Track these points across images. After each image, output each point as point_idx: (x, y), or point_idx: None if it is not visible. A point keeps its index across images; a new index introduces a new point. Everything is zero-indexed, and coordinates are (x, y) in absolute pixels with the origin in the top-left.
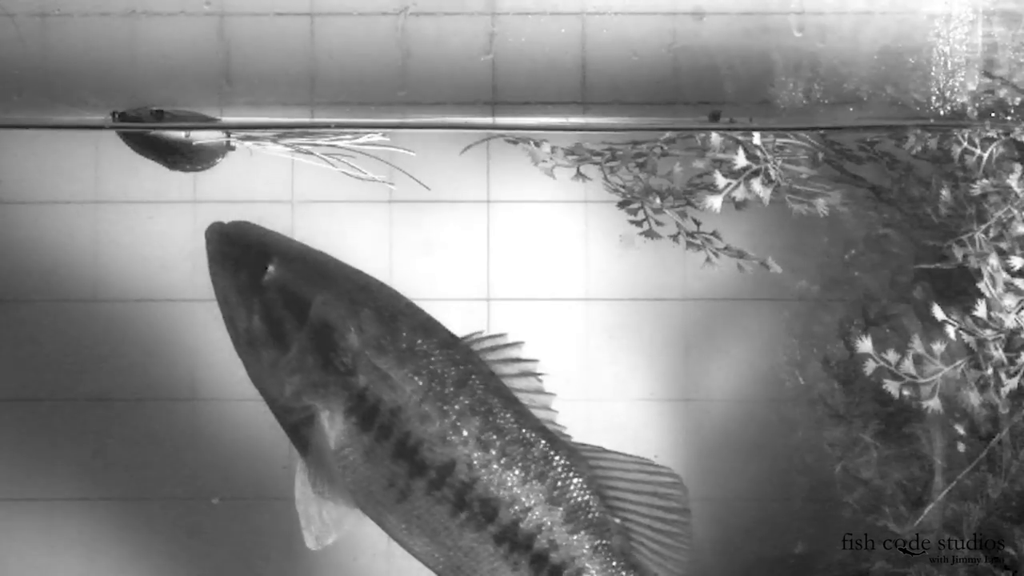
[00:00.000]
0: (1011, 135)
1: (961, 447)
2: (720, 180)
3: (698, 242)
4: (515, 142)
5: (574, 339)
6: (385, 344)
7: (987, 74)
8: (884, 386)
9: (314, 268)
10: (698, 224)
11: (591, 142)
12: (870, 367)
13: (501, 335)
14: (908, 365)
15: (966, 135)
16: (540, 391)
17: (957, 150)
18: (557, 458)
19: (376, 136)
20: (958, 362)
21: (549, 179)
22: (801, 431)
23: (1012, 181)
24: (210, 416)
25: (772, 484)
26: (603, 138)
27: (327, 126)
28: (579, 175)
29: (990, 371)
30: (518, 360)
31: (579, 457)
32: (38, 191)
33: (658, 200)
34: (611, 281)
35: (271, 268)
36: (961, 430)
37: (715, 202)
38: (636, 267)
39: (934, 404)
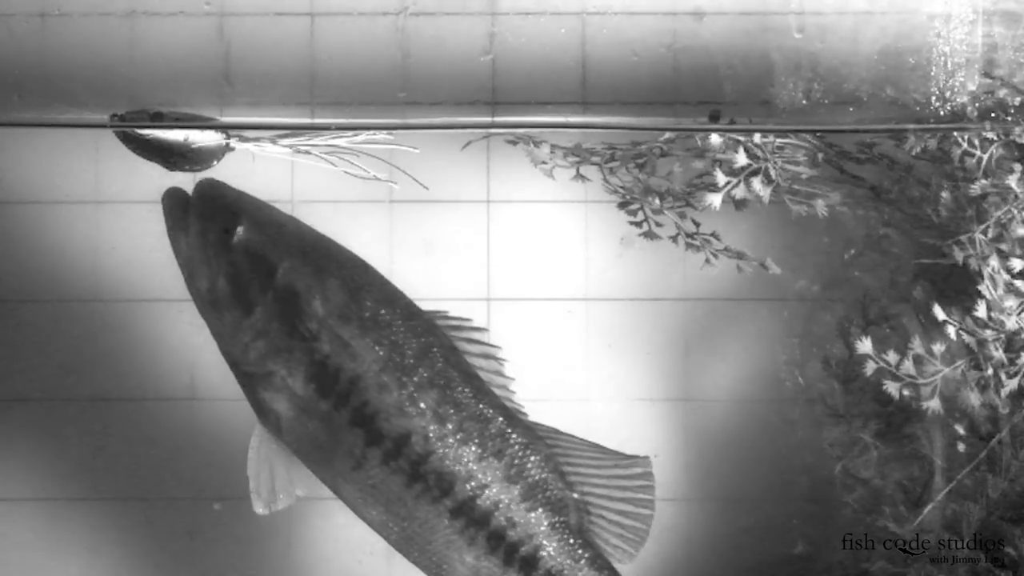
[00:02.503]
0: (1011, 136)
1: (961, 447)
2: (721, 178)
3: (697, 243)
4: (515, 142)
5: (574, 339)
6: (349, 313)
7: (987, 74)
8: (884, 386)
9: (283, 233)
10: (697, 225)
11: (591, 142)
12: (870, 367)
13: (467, 319)
14: (908, 366)
15: (966, 136)
16: (500, 373)
17: (957, 151)
18: (514, 436)
19: (380, 135)
20: (958, 363)
21: (549, 179)
22: (801, 431)
23: (1012, 182)
24: (210, 416)
25: (772, 484)
26: (603, 138)
27: (328, 127)
28: (578, 176)
29: (990, 372)
30: (480, 342)
31: (536, 435)
32: (38, 191)
33: (657, 201)
34: (611, 281)
35: (240, 230)
36: (961, 430)
37: (715, 200)
38: (636, 267)
39: (934, 404)
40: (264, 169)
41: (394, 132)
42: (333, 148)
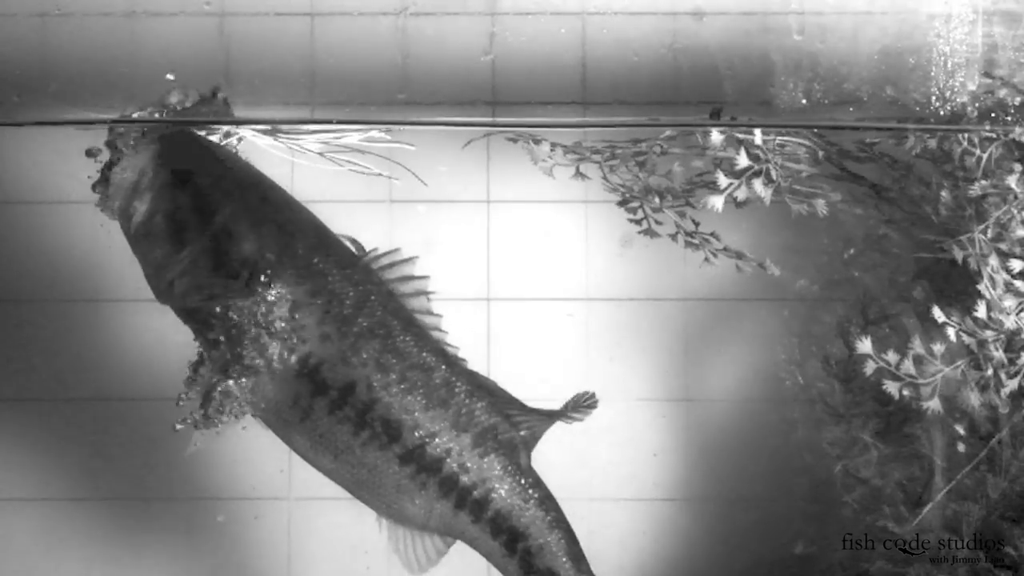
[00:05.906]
0: (1010, 136)
1: (961, 447)
2: (722, 180)
3: (696, 242)
4: (515, 140)
5: (574, 339)
6: (285, 262)
7: (987, 74)
8: (884, 386)
9: (231, 181)
10: (696, 224)
11: (591, 141)
12: (870, 367)
13: (396, 250)
14: (908, 365)
15: (965, 136)
16: (429, 312)
17: (957, 151)
18: (459, 384)
19: (375, 132)
20: (958, 363)
21: (549, 179)
22: (801, 431)
23: (1012, 182)
24: None
25: (772, 484)
26: (603, 137)
27: (328, 123)
28: (578, 174)
29: (990, 372)
30: (412, 278)
31: (477, 380)
32: (38, 191)
33: (657, 199)
34: (611, 281)
35: (194, 179)
36: (961, 430)
37: (717, 202)
38: (636, 267)
39: (934, 404)
40: (264, 169)
41: (393, 131)
42: (337, 146)
